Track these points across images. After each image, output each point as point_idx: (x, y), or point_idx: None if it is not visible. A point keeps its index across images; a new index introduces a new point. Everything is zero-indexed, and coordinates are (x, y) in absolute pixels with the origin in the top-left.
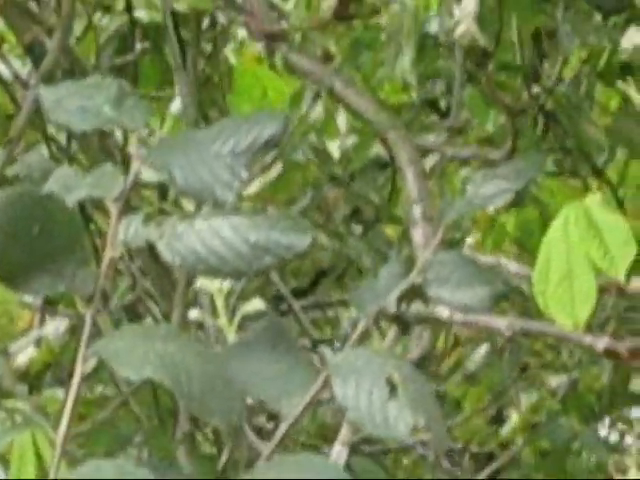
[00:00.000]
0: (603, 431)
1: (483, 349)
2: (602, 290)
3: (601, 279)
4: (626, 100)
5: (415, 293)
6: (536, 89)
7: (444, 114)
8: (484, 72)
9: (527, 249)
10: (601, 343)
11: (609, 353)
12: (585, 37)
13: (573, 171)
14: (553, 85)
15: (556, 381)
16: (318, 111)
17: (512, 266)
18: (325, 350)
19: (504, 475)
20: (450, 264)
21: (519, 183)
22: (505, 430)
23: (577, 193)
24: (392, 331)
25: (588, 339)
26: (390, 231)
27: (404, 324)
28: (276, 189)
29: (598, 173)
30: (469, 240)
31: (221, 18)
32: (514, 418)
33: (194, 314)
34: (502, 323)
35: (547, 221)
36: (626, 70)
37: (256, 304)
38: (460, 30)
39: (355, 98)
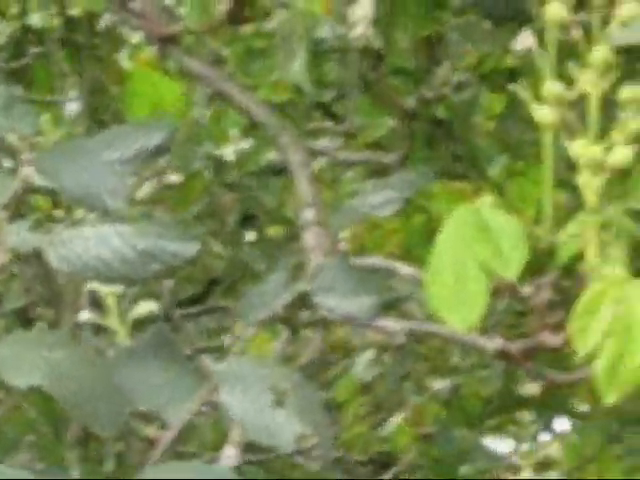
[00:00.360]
0: (496, 436)
1: (369, 354)
2: (495, 292)
3: (494, 281)
4: (513, 102)
5: (302, 301)
6: (428, 94)
7: (336, 118)
8: (379, 75)
9: (413, 253)
10: (493, 344)
11: (501, 354)
12: (474, 43)
13: (463, 175)
14: (442, 91)
15: (441, 385)
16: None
17: (403, 269)
18: (212, 358)
19: None
20: (337, 272)
21: (408, 192)
22: (388, 435)
23: (462, 196)
24: (283, 335)
25: (481, 341)
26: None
27: (295, 328)
28: (179, 198)
29: (486, 178)
30: (343, 234)
31: (114, 21)
32: (396, 422)
33: (85, 316)
34: (396, 325)
35: (432, 225)
36: (516, 74)
37: (148, 307)
38: (356, 32)
39: (247, 102)
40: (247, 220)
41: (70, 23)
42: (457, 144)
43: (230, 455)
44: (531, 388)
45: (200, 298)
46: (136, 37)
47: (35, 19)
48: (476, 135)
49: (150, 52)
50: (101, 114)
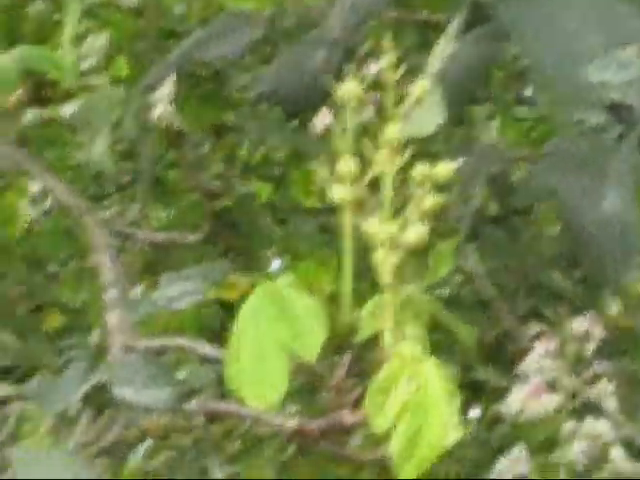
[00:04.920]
0: None
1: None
2: (293, 371)
3: (293, 360)
4: (285, 191)
5: (100, 392)
6: (213, 184)
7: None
8: (181, 154)
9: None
10: (291, 423)
11: (299, 433)
12: (264, 136)
13: (243, 268)
14: (228, 183)
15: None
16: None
17: (204, 348)
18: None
19: None
20: (136, 362)
21: (203, 285)
22: None
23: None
24: (84, 418)
25: (279, 419)
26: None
27: (97, 409)
28: None
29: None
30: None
31: None
32: None
33: None
34: (192, 405)
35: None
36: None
37: None
38: (157, 112)
39: (51, 183)
40: (37, 310)
41: None
42: (239, 236)
43: None
44: None
45: None
46: None
47: None
48: (260, 230)
49: None
50: None
